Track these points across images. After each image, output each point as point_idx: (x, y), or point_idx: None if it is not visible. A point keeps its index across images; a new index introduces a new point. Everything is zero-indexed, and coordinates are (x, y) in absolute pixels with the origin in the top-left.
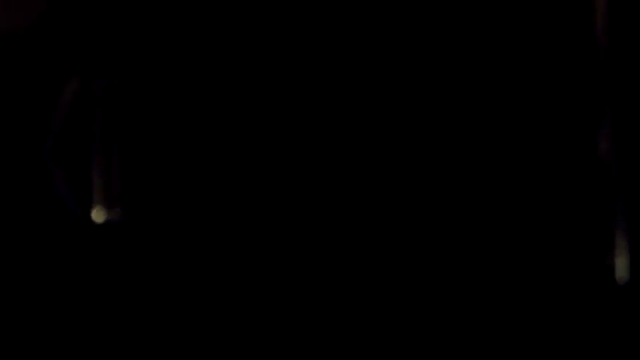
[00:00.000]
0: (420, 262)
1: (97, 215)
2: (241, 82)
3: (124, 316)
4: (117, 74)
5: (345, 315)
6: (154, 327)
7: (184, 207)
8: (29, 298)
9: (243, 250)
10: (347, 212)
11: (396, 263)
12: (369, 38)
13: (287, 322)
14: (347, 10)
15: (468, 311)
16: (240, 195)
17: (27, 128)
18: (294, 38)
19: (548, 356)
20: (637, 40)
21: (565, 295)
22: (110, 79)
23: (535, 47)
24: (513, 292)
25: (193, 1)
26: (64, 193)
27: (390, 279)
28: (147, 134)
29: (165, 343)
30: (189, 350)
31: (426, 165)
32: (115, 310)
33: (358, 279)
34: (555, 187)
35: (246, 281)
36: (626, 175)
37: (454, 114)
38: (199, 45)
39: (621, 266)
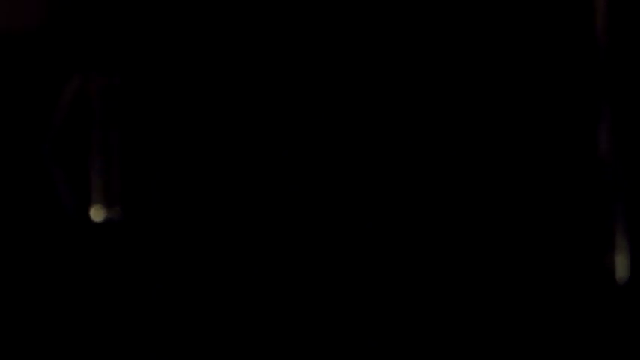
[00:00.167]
0: (419, 259)
1: (96, 214)
2: (241, 81)
3: (124, 316)
4: (116, 73)
5: (345, 315)
6: (153, 327)
7: (184, 206)
8: (28, 297)
9: (243, 250)
10: (347, 212)
11: (396, 263)
12: (369, 38)
13: (287, 322)
14: (347, 10)
15: (467, 310)
16: (240, 194)
17: (26, 127)
18: (293, 38)
19: (547, 356)
20: (637, 40)
21: (564, 294)
22: (110, 77)
23: (535, 47)
24: (512, 292)
25: (193, 1)
26: (62, 192)
27: (390, 279)
28: (147, 133)
29: (165, 342)
30: (189, 350)
31: (425, 164)
32: (115, 310)
33: (358, 279)
34: (555, 187)
35: (246, 281)
36: (626, 175)
37: (453, 113)
38: (199, 44)
39: (621, 266)
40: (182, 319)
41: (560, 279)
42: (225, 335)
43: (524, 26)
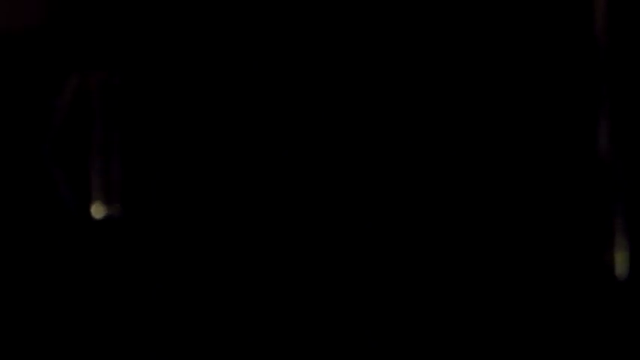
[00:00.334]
0: (419, 258)
1: (97, 211)
2: (241, 79)
3: (124, 312)
4: (116, 71)
5: (345, 315)
6: (153, 324)
7: (184, 202)
8: (28, 294)
9: (243, 247)
10: (347, 212)
11: (396, 263)
12: (369, 38)
13: (287, 319)
14: (346, 10)
15: (467, 308)
16: (240, 193)
17: (27, 125)
18: (293, 37)
19: (547, 353)
20: (637, 40)
21: (565, 291)
22: (109, 76)
23: (535, 47)
24: (512, 290)
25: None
26: (63, 189)
27: (390, 279)
28: (147, 130)
29: (164, 339)
30: (189, 347)
31: (425, 164)
32: (115, 305)
33: (358, 279)
34: (555, 185)
35: (246, 278)
36: (626, 173)
37: (454, 114)
38: (199, 42)
39: (621, 263)
40: (181, 315)
41: (560, 276)
42: (224, 331)
43: (525, 26)
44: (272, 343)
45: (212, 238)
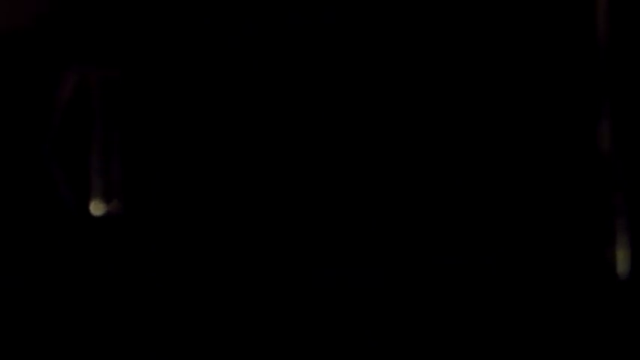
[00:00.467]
0: (419, 255)
1: (96, 208)
2: (241, 77)
3: (123, 308)
4: (116, 68)
5: (346, 315)
6: (152, 320)
7: (183, 200)
8: (28, 291)
9: (242, 243)
10: (347, 212)
11: (397, 261)
12: (369, 38)
13: (286, 317)
14: (346, 11)
15: (470, 306)
16: (240, 190)
17: (26, 122)
18: (294, 37)
19: (549, 350)
20: (637, 40)
21: (566, 288)
22: (109, 73)
23: (536, 47)
24: (514, 287)
25: None
26: (62, 187)
27: (390, 279)
28: (146, 128)
29: (163, 335)
30: (188, 344)
31: (426, 162)
32: (114, 303)
33: (359, 279)
34: (556, 183)
35: (245, 275)
36: (627, 171)
37: (455, 113)
38: (199, 40)
39: (622, 261)
40: (180, 312)
41: (562, 273)
42: (223, 328)
43: (525, 26)
44: (271, 341)
45: (211, 236)
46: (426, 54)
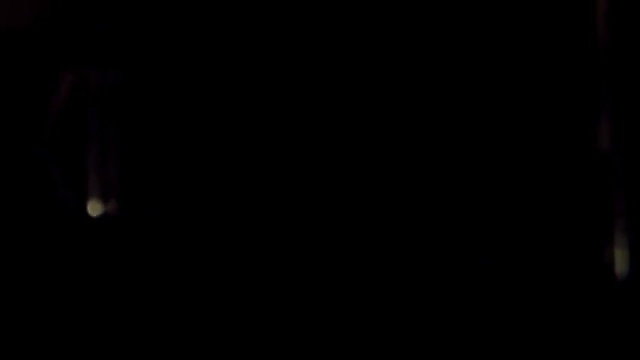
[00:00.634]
0: (419, 257)
1: (94, 208)
2: (240, 77)
3: (122, 310)
4: (113, 69)
5: (346, 316)
6: (151, 320)
7: (180, 200)
8: (27, 292)
9: (241, 244)
10: (347, 212)
11: (396, 263)
12: (369, 38)
13: (286, 317)
14: (346, 10)
15: (468, 306)
16: (238, 190)
17: (24, 122)
18: (294, 37)
19: (547, 352)
20: (637, 40)
21: (564, 290)
22: (106, 74)
23: (536, 47)
24: (513, 288)
25: None
26: (60, 186)
27: (390, 279)
28: (143, 128)
29: (162, 336)
30: (187, 343)
31: (425, 163)
32: (112, 302)
33: (358, 279)
34: (555, 183)
35: (244, 275)
36: (626, 171)
37: (455, 114)
38: (197, 40)
39: (620, 261)
40: (179, 312)
41: (560, 274)
42: (222, 328)
43: (526, 26)
44: (271, 341)
45: (209, 236)
46: (425, 54)
